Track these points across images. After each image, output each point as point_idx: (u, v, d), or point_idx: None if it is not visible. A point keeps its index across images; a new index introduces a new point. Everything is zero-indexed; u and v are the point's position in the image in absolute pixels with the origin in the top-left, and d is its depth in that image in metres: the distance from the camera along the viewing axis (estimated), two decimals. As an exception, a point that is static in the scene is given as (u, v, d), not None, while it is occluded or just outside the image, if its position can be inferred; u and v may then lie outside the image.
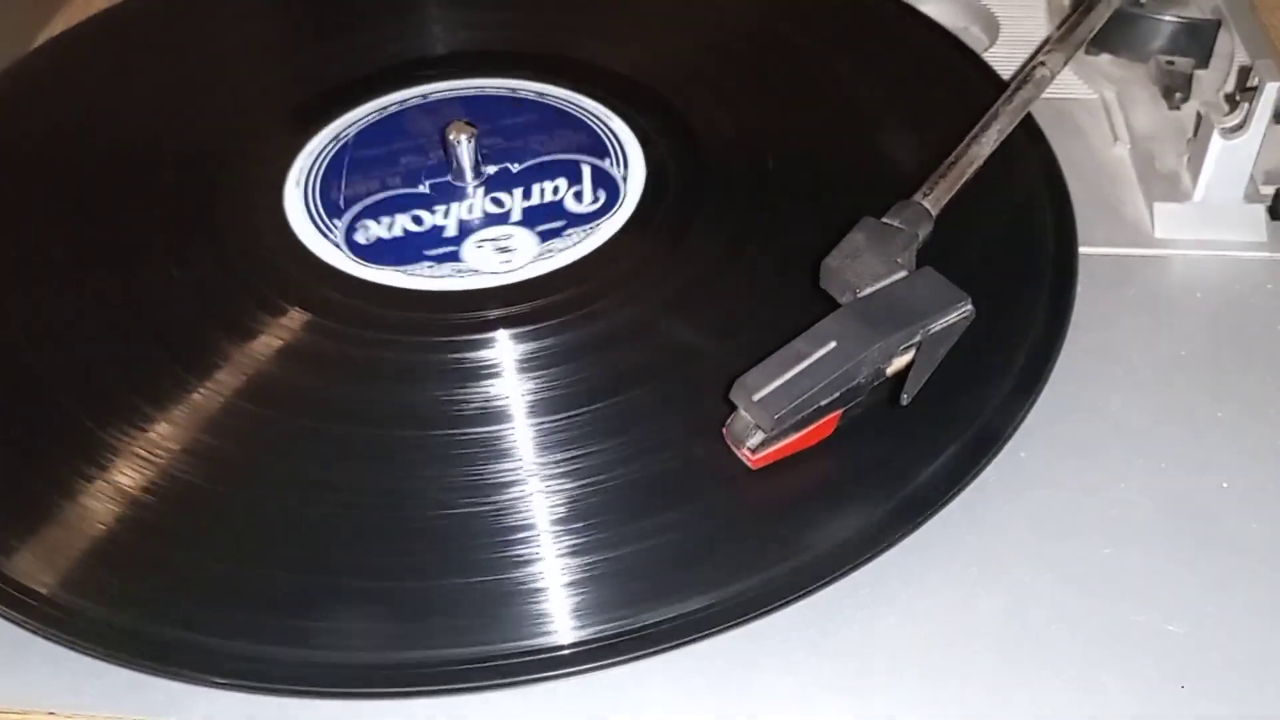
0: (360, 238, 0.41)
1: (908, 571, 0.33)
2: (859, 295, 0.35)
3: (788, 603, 0.31)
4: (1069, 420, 0.37)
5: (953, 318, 0.34)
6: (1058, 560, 0.33)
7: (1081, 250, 0.40)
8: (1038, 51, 0.44)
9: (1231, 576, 0.33)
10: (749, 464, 0.33)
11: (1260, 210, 0.42)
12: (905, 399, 0.34)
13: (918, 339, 0.34)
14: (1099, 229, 0.43)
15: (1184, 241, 0.42)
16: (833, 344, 0.33)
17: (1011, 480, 0.35)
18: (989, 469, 0.34)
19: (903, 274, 0.35)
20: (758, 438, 0.33)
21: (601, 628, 0.30)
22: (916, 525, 0.32)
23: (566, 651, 0.30)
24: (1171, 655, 0.31)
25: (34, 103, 0.48)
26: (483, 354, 0.37)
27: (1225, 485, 0.35)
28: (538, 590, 0.31)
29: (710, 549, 0.32)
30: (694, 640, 0.30)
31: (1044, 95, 0.42)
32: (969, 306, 0.34)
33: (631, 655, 0.30)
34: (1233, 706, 0.30)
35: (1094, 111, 0.48)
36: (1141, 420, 0.37)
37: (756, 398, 0.33)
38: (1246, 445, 0.36)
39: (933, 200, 0.38)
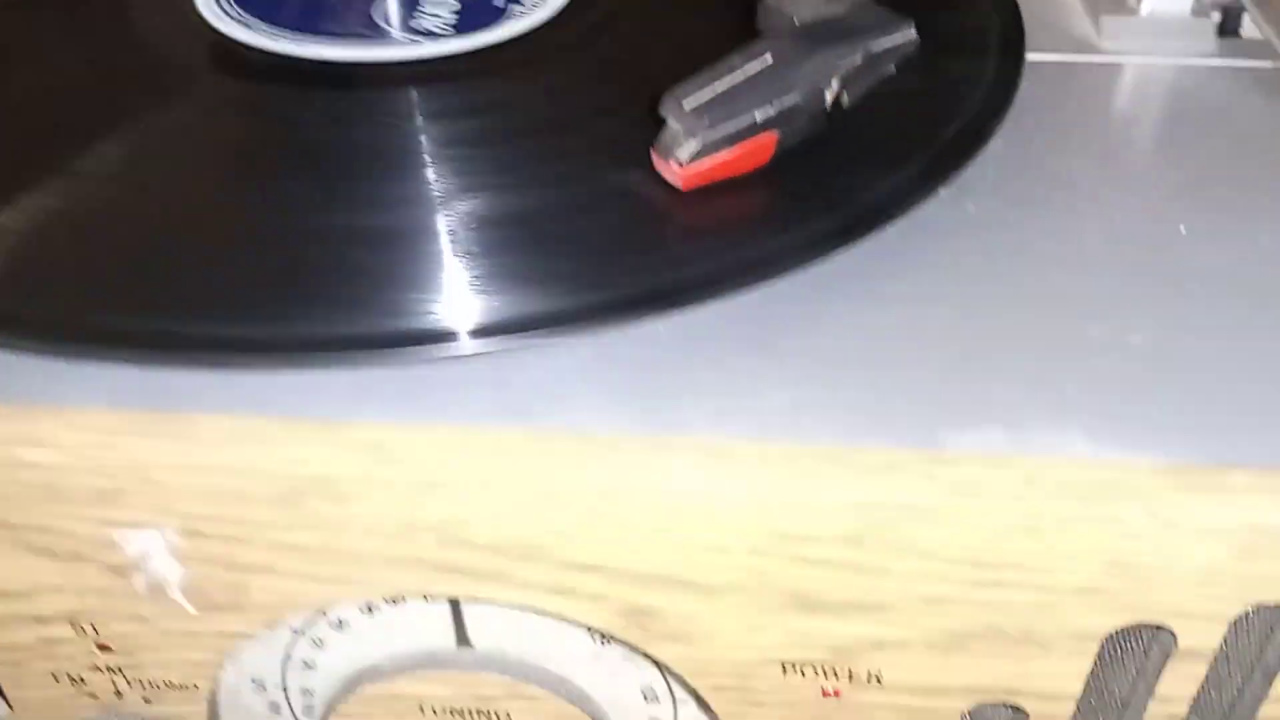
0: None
1: (848, 291, 0.31)
2: (797, 24, 0.33)
3: (713, 297, 0.29)
4: (1020, 180, 0.35)
5: (896, 39, 0.32)
6: (1008, 282, 0.31)
7: (1029, 56, 0.39)
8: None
9: (1193, 299, 0.31)
10: (679, 183, 0.31)
11: (1208, 23, 0.41)
12: (845, 102, 0.32)
13: (858, 58, 0.32)
14: (1045, 38, 0.41)
15: (1132, 50, 0.41)
16: (768, 56, 0.32)
17: (958, 223, 0.33)
18: (933, 213, 0.32)
19: (843, 8, 0.33)
20: (689, 148, 0.31)
21: (523, 311, 0.28)
22: (855, 238, 0.30)
23: (487, 329, 0.27)
24: (1132, 362, 0.29)
25: None
26: (395, 101, 0.34)
27: (1183, 230, 0.33)
28: (454, 277, 0.29)
29: (638, 248, 0.30)
30: (617, 322, 0.28)
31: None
32: (912, 31, 0.33)
33: (553, 331, 0.27)
34: (1198, 409, 0.28)
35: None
36: (1093, 181, 0.35)
37: (688, 105, 0.31)
38: (1201, 198, 0.34)
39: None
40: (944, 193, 0.34)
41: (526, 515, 0.26)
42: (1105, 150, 0.36)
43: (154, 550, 0.28)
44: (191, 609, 0.29)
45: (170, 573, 0.28)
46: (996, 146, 0.35)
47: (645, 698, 0.33)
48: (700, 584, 0.27)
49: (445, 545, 0.27)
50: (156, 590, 0.29)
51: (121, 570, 0.28)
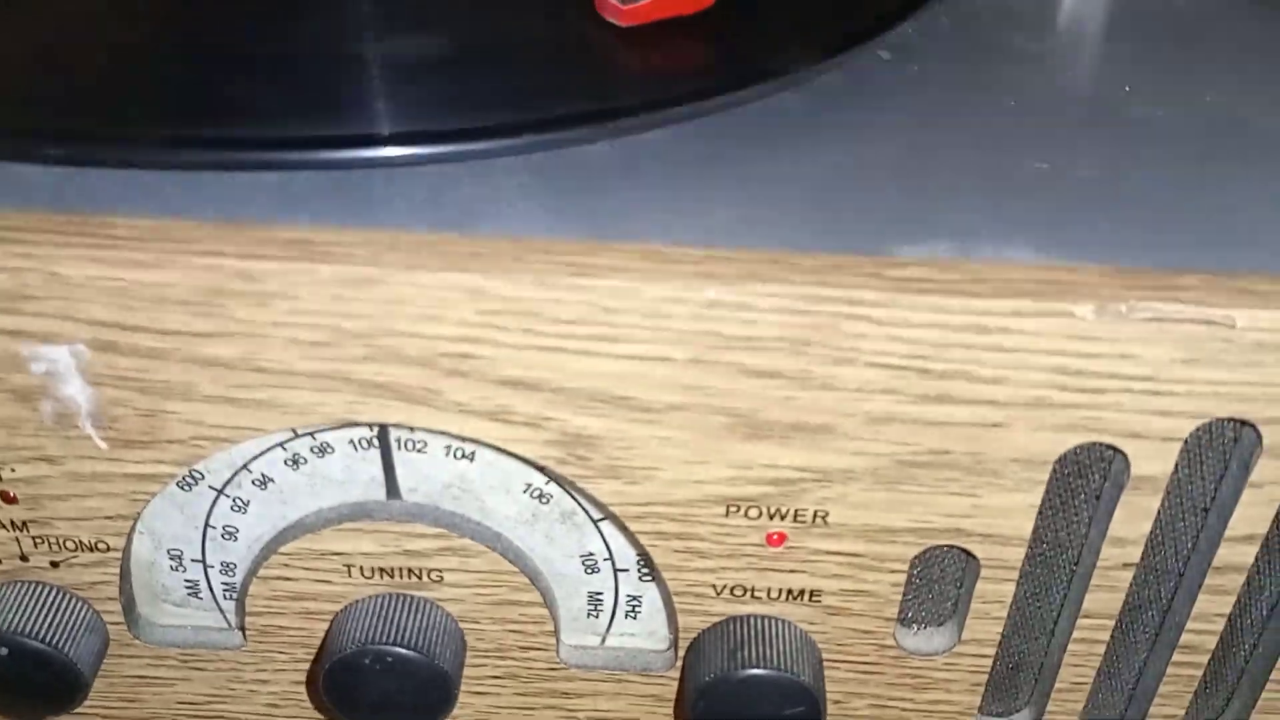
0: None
1: (794, 132, 0.30)
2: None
3: (654, 123, 0.28)
4: (965, 49, 0.35)
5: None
6: (953, 127, 0.31)
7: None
8: None
9: (1138, 143, 0.30)
10: (619, 19, 0.30)
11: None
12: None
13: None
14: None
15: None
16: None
17: (904, 80, 0.33)
18: (879, 72, 0.32)
19: None
20: (630, -20, 0.30)
21: (449, 124, 0.27)
22: (788, 83, 0.30)
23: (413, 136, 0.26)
24: (1080, 190, 0.28)
25: None
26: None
27: (1127, 89, 0.33)
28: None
29: (569, 77, 0.29)
30: (544, 140, 0.27)
31: None
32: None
33: (477, 142, 0.26)
34: (1146, 230, 0.27)
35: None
36: (1037, 50, 0.35)
37: (630, -62, 0.30)
38: (1144, 66, 0.34)
39: None
40: (888, 56, 0.33)
41: (458, 322, 0.25)
42: (1049, 26, 0.36)
43: (63, 368, 0.26)
44: (102, 443, 0.28)
45: (80, 395, 0.27)
46: (941, 25, 0.35)
47: (585, 568, 0.32)
48: (640, 402, 0.26)
49: (373, 359, 0.26)
50: (65, 420, 0.27)
51: (27, 395, 0.27)
